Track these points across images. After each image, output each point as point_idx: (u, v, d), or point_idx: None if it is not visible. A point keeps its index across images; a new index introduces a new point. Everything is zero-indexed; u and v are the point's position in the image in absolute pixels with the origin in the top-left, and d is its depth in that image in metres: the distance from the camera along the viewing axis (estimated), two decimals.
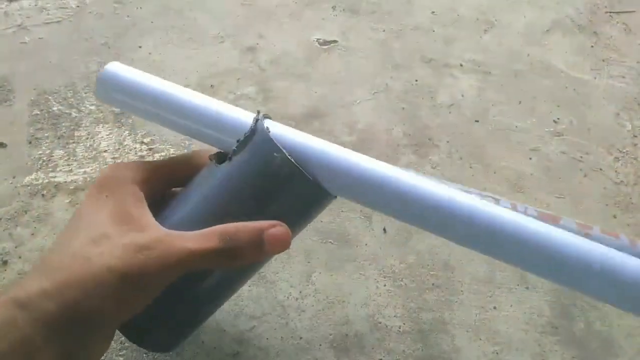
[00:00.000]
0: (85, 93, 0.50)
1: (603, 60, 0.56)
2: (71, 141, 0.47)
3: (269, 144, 0.28)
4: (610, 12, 0.60)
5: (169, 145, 0.47)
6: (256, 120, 0.29)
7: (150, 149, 0.47)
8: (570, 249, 0.26)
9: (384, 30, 0.57)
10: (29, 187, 0.44)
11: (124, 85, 0.31)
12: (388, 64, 0.54)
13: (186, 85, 0.37)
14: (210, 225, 0.28)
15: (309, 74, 0.53)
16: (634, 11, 0.60)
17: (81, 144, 0.47)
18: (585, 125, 0.51)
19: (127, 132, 0.48)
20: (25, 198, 0.43)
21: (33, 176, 0.45)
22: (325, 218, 0.44)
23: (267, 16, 0.57)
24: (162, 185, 0.31)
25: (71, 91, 0.50)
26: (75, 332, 0.25)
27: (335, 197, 0.30)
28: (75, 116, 0.48)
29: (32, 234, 0.42)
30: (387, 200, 0.28)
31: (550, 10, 0.60)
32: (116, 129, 0.48)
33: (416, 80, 0.53)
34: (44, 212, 0.43)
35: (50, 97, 0.49)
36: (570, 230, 0.28)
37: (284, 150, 0.28)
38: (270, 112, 0.34)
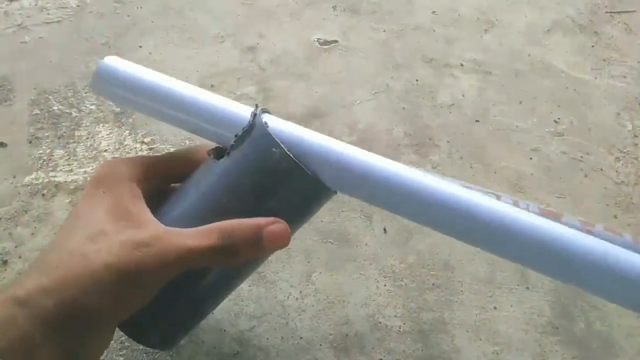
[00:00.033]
0: (86, 93, 0.50)
1: (604, 60, 0.56)
2: (71, 141, 0.47)
3: (267, 139, 0.28)
4: (611, 12, 0.60)
5: (170, 144, 0.47)
6: (254, 114, 0.29)
7: (150, 149, 0.47)
8: (574, 245, 0.26)
9: (384, 30, 0.57)
10: (29, 187, 0.44)
11: (120, 79, 0.31)
12: (389, 63, 0.54)
13: None
14: (209, 221, 0.27)
15: (309, 73, 0.53)
16: (634, 11, 0.60)
17: (81, 144, 0.47)
18: (586, 125, 0.51)
19: (128, 131, 0.48)
20: (25, 198, 0.43)
21: (33, 176, 0.45)
22: (326, 218, 0.44)
23: (268, 16, 0.57)
24: (160, 181, 0.31)
25: (71, 91, 0.50)
26: (73, 330, 0.25)
27: (335, 192, 0.30)
28: (76, 116, 0.48)
29: (32, 234, 0.42)
30: (388, 196, 0.28)
31: (550, 10, 0.60)
32: (116, 129, 0.48)
33: (417, 80, 0.53)
34: (44, 211, 0.43)
35: (50, 97, 0.49)
36: (573, 227, 0.28)
37: (283, 145, 0.27)
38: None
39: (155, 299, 0.27)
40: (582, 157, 0.49)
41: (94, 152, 0.46)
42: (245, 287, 0.40)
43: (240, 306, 0.39)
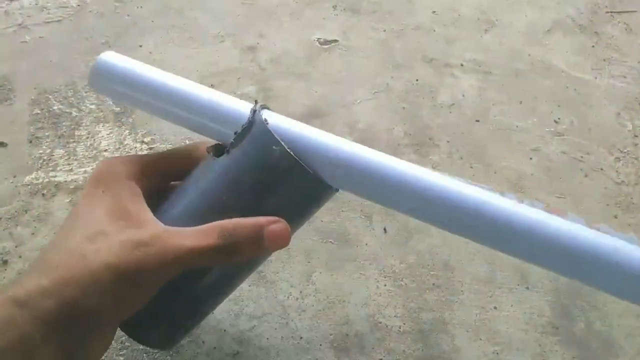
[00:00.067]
0: (86, 92, 0.50)
1: (604, 60, 0.56)
2: (71, 140, 0.47)
3: (267, 136, 0.27)
4: (611, 12, 0.60)
5: (170, 144, 0.47)
6: (254, 111, 0.28)
7: (150, 148, 0.47)
8: (582, 240, 0.25)
9: (384, 30, 0.57)
10: (29, 187, 0.44)
11: (118, 75, 0.31)
12: (389, 63, 0.54)
13: None
14: (209, 220, 0.27)
15: (309, 73, 0.53)
16: (635, 11, 0.60)
17: (81, 143, 0.47)
18: (586, 125, 0.51)
19: (128, 131, 0.48)
20: (25, 197, 0.43)
21: (33, 175, 0.45)
22: (326, 218, 0.44)
23: (268, 15, 0.57)
24: (160, 179, 0.31)
25: (71, 90, 0.50)
26: (74, 330, 0.25)
27: (337, 190, 0.29)
28: (76, 115, 0.48)
29: (33, 234, 0.42)
30: (390, 193, 0.27)
31: (551, 10, 0.60)
32: (116, 128, 0.48)
33: (417, 80, 0.53)
34: (44, 211, 0.43)
35: (50, 96, 0.49)
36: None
37: (283, 143, 0.27)
38: None
39: (155, 298, 0.27)
40: (582, 157, 0.49)
41: (94, 151, 0.46)
42: (245, 287, 0.40)
43: (240, 306, 0.39)
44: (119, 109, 0.49)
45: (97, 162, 0.46)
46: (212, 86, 0.51)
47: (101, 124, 0.48)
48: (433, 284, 0.41)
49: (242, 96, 0.51)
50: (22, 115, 0.48)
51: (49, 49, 0.53)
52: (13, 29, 0.54)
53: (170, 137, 0.47)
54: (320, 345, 0.38)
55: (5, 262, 0.40)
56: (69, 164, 0.45)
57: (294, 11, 0.58)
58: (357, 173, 0.28)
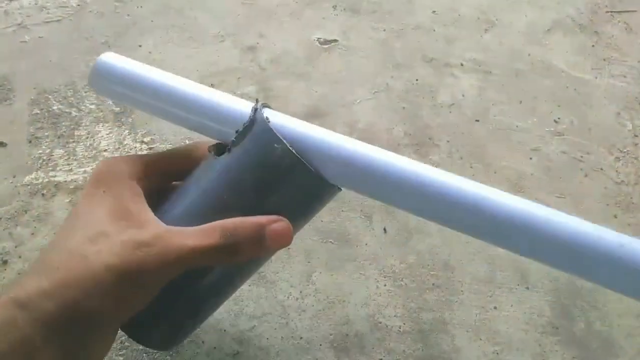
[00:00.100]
0: (85, 92, 0.50)
1: (604, 60, 0.56)
2: (71, 140, 0.47)
3: (269, 135, 0.27)
4: (611, 12, 0.60)
5: (169, 144, 0.47)
6: (255, 109, 0.28)
7: (150, 148, 0.47)
8: (587, 234, 0.25)
9: (384, 30, 0.57)
10: (29, 187, 0.44)
11: (118, 75, 0.30)
12: (389, 63, 0.54)
13: None
14: (210, 219, 0.27)
15: (309, 73, 0.53)
16: (635, 10, 0.60)
17: (81, 143, 0.47)
18: (586, 125, 0.51)
19: (127, 131, 0.48)
20: (25, 197, 0.43)
21: (33, 175, 0.45)
22: (326, 218, 0.44)
23: (268, 15, 0.57)
24: (161, 178, 0.31)
25: (71, 90, 0.50)
26: (75, 332, 0.25)
27: (340, 189, 0.29)
28: (75, 115, 0.48)
29: (32, 234, 0.42)
30: (393, 191, 0.27)
31: (551, 9, 0.60)
32: (116, 128, 0.48)
33: (417, 80, 0.53)
34: (44, 211, 0.43)
35: (50, 96, 0.49)
36: None
37: (285, 141, 0.27)
38: None
39: (156, 299, 0.27)
40: (582, 156, 0.49)
41: (94, 151, 0.46)
42: (245, 287, 0.40)
43: (240, 306, 0.39)
44: (118, 109, 0.49)
45: (96, 162, 0.46)
46: (212, 86, 0.51)
47: (101, 124, 0.48)
48: (433, 284, 0.41)
49: (242, 96, 0.50)
50: (22, 115, 0.48)
51: (49, 48, 0.52)
52: (12, 28, 0.54)
53: (170, 136, 0.47)
54: (320, 345, 0.38)
55: (5, 262, 0.40)
56: (68, 164, 0.45)
57: (294, 11, 0.58)
58: (359, 171, 0.27)
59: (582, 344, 0.39)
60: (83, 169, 0.45)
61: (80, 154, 0.46)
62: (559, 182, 0.47)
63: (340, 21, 0.57)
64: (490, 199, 0.26)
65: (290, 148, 0.27)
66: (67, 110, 0.49)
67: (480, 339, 0.39)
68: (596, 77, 0.55)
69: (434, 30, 0.57)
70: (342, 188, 0.29)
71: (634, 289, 0.25)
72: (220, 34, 0.55)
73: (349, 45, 0.55)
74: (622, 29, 0.59)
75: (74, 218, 0.28)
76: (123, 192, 0.28)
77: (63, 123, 0.48)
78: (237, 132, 0.28)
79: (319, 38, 0.56)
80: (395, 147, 0.48)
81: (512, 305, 0.41)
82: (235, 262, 0.29)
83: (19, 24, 0.54)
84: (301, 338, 0.38)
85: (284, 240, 0.28)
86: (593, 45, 0.57)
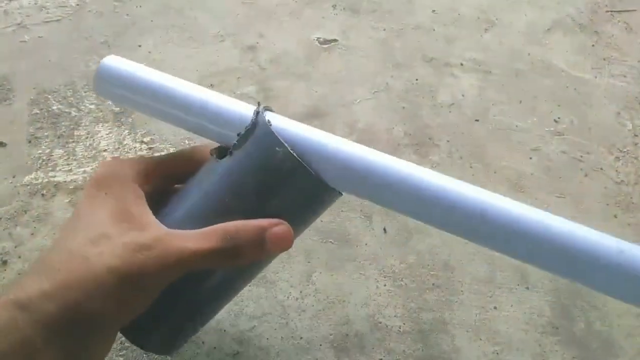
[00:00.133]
0: (85, 92, 0.50)
1: (604, 60, 0.56)
2: (71, 140, 0.47)
3: (271, 138, 0.27)
4: (611, 11, 0.60)
5: (169, 144, 0.47)
6: (257, 112, 0.28)
7: (150, 148, 0.47)
8: (584, 241, 0.25)
9: (384, 29, 0.57)
10: (28, 187, 0.44)
11: (122, 79, 0.30)
12: (389, 63, 0.54)
13: None
14: (212, 222, 0.27)
15: (309, 73, 0.53)
16: (635, 10, 0.60)
17: (81, 143, 0.47)
18: (586, 125, 0.51)
19: (127, 131, 0.48)
20: (25, 197, 0.43)
21: (33, 175, 0.45)
22: (326, 218, 0.44)
23: (268, 15, 0.57)
24: (162, 181, 0.31)
25: (71, 90, 0.50)
26: (75, 334, 0.25)
27: (341, 194, 0.29)
28: (75, 115, 0.48)
29: (32, 234, 0.42)
30: (395, 196, 0.27)
31: (551, 9, 0.60)
32: (116, 128, 0.48)
33: (417, 80, 0.53)
34: (43, 211, 0.43)
35: (49, 96, 0.49)
36: None
37: (286, 144, 0.27)
38: None
39: (156, 302, 0.27)
40: (582, 156, 0.49)
41: (94, 151, 0.46)
42: (245, 287, 0.40)
43: (240, 306, 0.39)
44: (118, 109, 0.49)
45: (96, 162, 0.46)
46: (211, 86, 0.51)
47: (100, 124, 0.48)
48: (433, 284, 0.41)
49: (242, 96, 0.51)
50: (22, 115, 0.48)
51: (48, 48, 0.52)
52: (12, 28, 0.54)
53: (170, 137, 0.47)
54: (320, 345, 0.38)
55: (4, 263, 0.40)
56: (68, 164, 0.45)
57: (294, 11, 0.57)
58: (360, 175, 0.27)
59: (582, 344, 0.39)
60: (83, 169, 0.45)
61: (80, 154, 0.46)
62: (559, 182, 0.47)
63: (340, 21, 0.57)
64: (489, 204, 0.26)
65: (292, 151, 0.27)
66: (66, 110, 0.49)
67: (480, 339, 0.39)
68: (596, 77, 0.55)
69: (434, 30, 0.57)
70: (343, 192, 0.29)
71: (633, 296, 0.25)
72: (220, 34, 0.55)
73: (348, 45, 0.55)
74: (622, 29, 0.59)
75: (75, 219, 0.27)
76: (125, 195, 0.28)
77: (63, 123, 0.48)
78: (238, 135, 0.28)
79: (318, 38, 0.56)
80: (395, 147, 0.48)
81: (512, 305, 0.41)
82: (236, 265, 0.29)
83: (19, 24, 0.54)
84: (301, 338, 0.38)
85: (284, 244, 0.28)
86: (593, 45, 0.57)
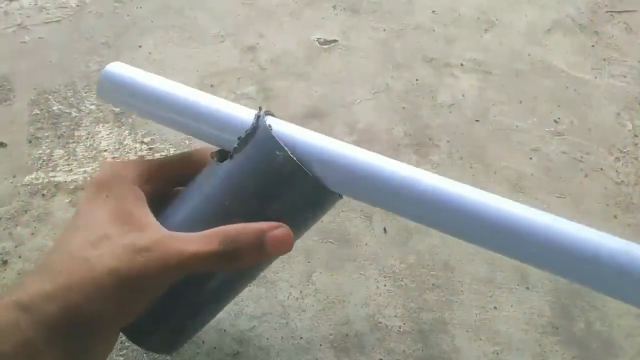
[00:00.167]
0: (86, 92, 0.50)
1: (604, 60, 0.56)
2: (71, 141, 0.47)
3: (271, 142, 0.27)
4: (612, 12, 0.60)
5: (169, 144, 0.47)
6: (258, 117, 0.28)
7: (150, 149, 0.47)
8: (590, 242, 0.24)
9: (384, 30, 0.57)
10: (29, 187, 0.44)
11: (125, 85, 0.31)
12: (389, 63, 0.54)
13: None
14: (212, 225, 0.27)
15: (309, 73, 0.53)
16: (635, 10, 0.60)
17: (81, 144, 0.47)
18: (586, 125, 0.51)
19: (127, 131, 0.48)
20: (25, 197, 0.43)
21: (33, 175, 0.45)
22: (326, 218, 0.44)
23: (268, 15, 0.57)
24: (163, 183, 0.31)
25: (71, 90, 0.50)
26: (76, 335, 0.25)
27: (341, 197, 0.29)
28: (76, 115, 0.48)
29: (32, 234, 0.42)
30: (394, 199, 0.27)
31: (551, 9, 0.60)
32: (116, 129, 0.48)
33: (417, 80, 0.53)
34: (44, 211, 0.43)
35: (50, 97, 0.49)
36: None
37: (286, 148, 0.27)
38: None
39: (157, 303, 0.27)
40: (582, 157, 0.49)
41: (94, 152, 0.46)
42: (245, 288, 0.40)
43: (240, 306, 0.39)
44: (118, 109, 0.49)
45: (97, 162, 0.46)
46: (211, 86, 0.51)
47: (101, 124, 0.48)
48: (433, 284, 0.41)
49: (242, 96, 0.51)
50: (22, 115, 0.48)
51: (49, 49, 0.52)
52: (12, 29, 0.54)
53: (170, 137, 0.47)
54: (320, 345, 0.38)
55: (5, 262, 0.40)
56: (68, 164, 0.45)
57: (294, 11, 0.58)
58: (360, 179, 0.27)
59: (582, 344, 0.39)
60: (83, 169, 0.45)
61: (80, 154, 0.46)
62: (559, 182, 0.47)
63: (340, 21, 0.57)
64: (491, 206, 0.26)
65: (292, 155, 0.27)
66: (67, 111, 0.49)
67: (480, 339, 0.39)
68: (596, 77, 0.55)
69: (434, 30, 0.57)
70: (344, 196, 0.29)
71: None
72: (220, 34, 0.55)
73: (348, 45, 0.55)
74: (622, 29, 0.59)
75: (76, 221, 0.28)
76: (125, 196, 0.28)
77: (63, 123, 0.48)
78: (239, 139, 0.28)
79: (318, 38, 0.56)
80: (395, 148, 0.48)
81: (512, 305, 0.41)
82: (236, 268, 0.29)
83: (19, 25, 0.54)
84: (301, 338, 0.38)
85: (284, 247, 0.28)
86: (593, 46, 0.57)
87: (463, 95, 0.52)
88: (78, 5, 0.56)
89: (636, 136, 0.51)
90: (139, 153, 0.46)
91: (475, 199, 0.26)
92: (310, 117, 0.50)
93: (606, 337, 0.40)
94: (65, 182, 0.44)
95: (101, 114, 0.49)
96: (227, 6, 0.57)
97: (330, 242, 0.43)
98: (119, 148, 0.47)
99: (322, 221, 0.43)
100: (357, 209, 0.44)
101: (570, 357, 0.39)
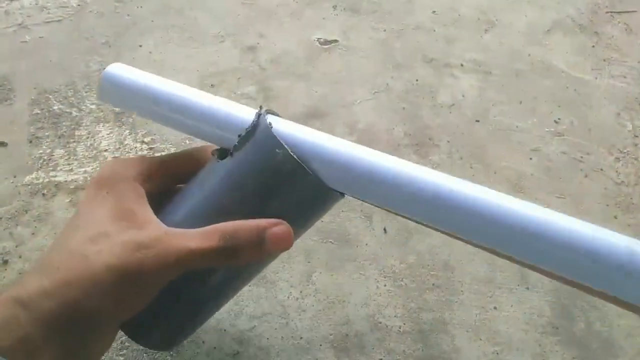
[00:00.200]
0: (86, 92, 0.50)
1: (604, 60, 0.56)
2: (72, 140, 0.47)
3: (271, 139, 0.27)
4: (611, 12, 0.60)
5: (170, 144, 0.47)
6: (258, 115, 0.28)
7: (150, 148, 0.47)
8: (594, 241, 0.24)
9: (384, 30, 0.57)
10: (29, 187, 0.44)
11: (126, 87, 0.31)
12: (389, 63, 0.54)
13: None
14: (212, 222, 0.27)
15: (309, 73, 0.53)
16: (635, 11, 0.60)
17: (82, 143, 0.47)
18: (586, 126, 0.51)
19: (128, 131, 0.48)
20: (25, 197, 0.43)
21: (33, 175, 0.45)
22: (326, 218, 0.44)
23: (268, 15, 0.57)
24: (165, 181, 0.31)
25: (72, 90, 0.50)
26: (75, 331, 0.25)
27: (342, 196, 0.29)
28: (76, 115, 0.48)
29: (33, 234, 0.42)
30: (398, 199, 0.27)
31: (551, 10, 0.60)
32: (117, 128, 0.48)
33: (417, 80, 0.53)
34: (44, 211, 0.43)
35: (50, 96, 0.49)
36: None
37: (286, 146, 0.27)
38: None
39: (156, 299, 0.27)
40: (582, 157, 0.49)
41: (94, 151, 0.46)
42: (245, 287, 0.40)
43: (240, 306, 0.39)
44: (119, 109, 0.49)
45: (97, 162, 0.46)
46: (212, 86, 0.51)
47: (101, 124, 0.48)
48: (433, 284, 0.41)
49: (242, 96, 0.51)
50: (22, 115, 0.48)
51: (49, 48, 0.53)
52: (13, 28, 0.54)
53: (171, 137, 0.47)
54: (320, 345, 0.38)
55: (5, 262, 0.40)
56: (69, 164, 0.45)
57: (294, 11, 0.58)
58: (360, 177, 0.27)
59: (582, 344, 0.39)
60: (83, 169, 0.45)
61: (81, 154, 0.46)
62: (559, 182, 0.47)
63: (340, 21, 0.57)
64: (495, 204, 0.25)
65: (292, 153, 0.27)
66: (67, 110, 0.49)
67: (480, 339, 0.39)
68: (596, 78, 0.55)
69: (434, 31, 0.57)
70: (345, 194, 0.29)
71: None
72: (221, 34, 0.55)
73: (349, 45, 0.55)
74: (622, 30, 0.59)
75: (76, 218, 0.28)
76: (125, 193, 0.28)
77: (63, 123, 0.48)
78: (239, 136, 0.28)
79: (319, 38, 0.56)
80: (395, 148, 0.48)
81: (512, 306, 0.41)
82: (236, 264, 0.29)
83: (20, 24, 0.54)
84: (301, 338, 0.38)
85: (284, 244, 0.28)
86: (593, 46, 0.57)
87: (463, 96, 0.52)
88: (79, 5, 0.56)
89: (636, 136, 0.51)
90: (140, 153, 0.47)
91: (485, 198, 0.26)
92: (311, 117, 0.50)
93: (606, 337, 0.40)
94: (66, 181, 0.44)
95: (102, 113, 0.49)
96: (227, 6, 0.57)
97: (330, 242, 0.43)
98: (119, 148, 0.47)
99: (322, 221, 0.44)
100: (357, 209, 0.44)
101: (570, 357, 0.39)
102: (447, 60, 0.55)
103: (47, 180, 0.44)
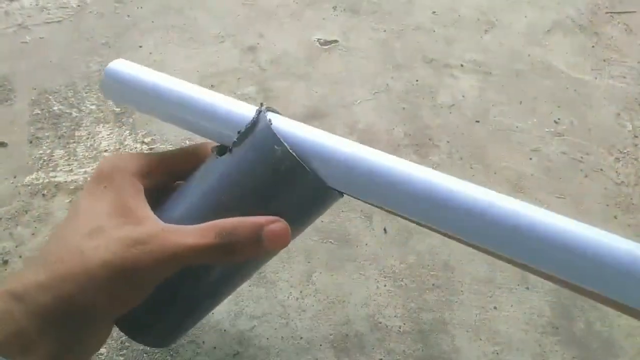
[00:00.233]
0: (86, 93, 0.50)
1: (604, 61, 0.56)
2: (72, 141, 0.47)
3: (270, 136, 0.27)
4: (611, 13, 0.60)
5: (170, 144, 0.47)
6: (259, 112, 0.28)
7: (150, 149, 0.47)
8: (597, 245, 0.24)
9: (384, 30, 0.57)
10: (29, 187, 0.44)
11: (128, 82, 0.31)
12: (389, 64, 0.54)
13: None
14: (210, 219, 0.27)
15: (309, 73, 0.53)
16: (634, 11, 0.60)
17: (82, 144, 0.47)
18: (586, 126, 0.51)
19: (128, 131, 0.48)
20: (25, 198, 0.43)
21: (34, 176, 0.45)
22: (326, 218, 0.44)
23: (268, 16, 0.57)
24: (164, 177, 0.31)
25: (72, 91, 0.50)
26: (70, 326, 0.25)
27: (341, 195, 0.29)
28: (76, 116, 0.48)
29: (33, 234, 0.42)
30: (398, 199, 0.26)
31: (551, 10, 0.60)
32: (117, 129, 0.48)
33: (417, 81, 0.53)
34: (44, 211, 0.43)
35: (50, 97, 0.49)
36: None
37: (285, 143, 0.27)
38: None
39: (153, 296, 0.27)
40: (582, 157, 0.49)
41: (94, 152, 0.46)
42: (245, 287, 0.40)
43: (240, 306, 0.39)
44: (119, 109, 0.49)
45: (97, 162, 0.46)
46: (212, 86, 0.51)
47: (101, 125, 0.48)
48: (433, 284, 0.41)
49: (242, 96, 0.51)
50: (22, 115, 0.48)
51: (49, 49, 0.53)
52: (13, 29, 0.54)
53: (171, 137, 0.47)
54: (320, 345, 0.38)
55: (5, 262, 0.40)
56: (69, 165, 0.45)
57: (294, 12, 0.58)
58: (360, 176, 0.27)
59: (582, 344, 0.39)
60: (83, 170, 0.45)
61: (81, 154, 0.46)
62: (559, 182, 0.47)
63: (340, 22, 0.57)
64: (496, 205, 0.25)
65: (291, 150, 0.27)
66: (67, 111, 0.49)
67: (480, 339, 0.39)
68: (596, 78, 0.55)
69: (434, 31, 0.57)
70: (344, 193, 0.29)
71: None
72: (221, 35, 0.55)
73: (349, 45, 0.55)
74: (621, 30, 0.59)
75: (74, 213, 0.28)
76: (124, 189, 0.28)
77: (64, 123, 0.48)
78: (239, 132, 0.28)
79: (319, 39, 0.56)
80: (395, 148, 0.48)
81: (512, 305, 0.41)
82: (233, 261, 0.29)
83: (20, 25, 0.54)
84: (301, 338, 0.38)
85: (281, 241, 0.27)
86: (593, 46, 0.57)
87: (463, 96, 0.52)
88: (79, 6, 0.56)
89: (636, 137, 0.51)
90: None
91: (487, 199, 0.25)
92: (311, 118, 0.50)
93: (606, 337, 0.40)
94: (66, 182, 0.45)
95: (102, 114, 0.49)
96: (227, 6, 0.57)
97: (330, 242, 0.43)
98: (119, 148, 0.47)
99: (322, 221, 0.44)
100: (357, 209, 0.44)
101: (570, 357, 0.39)
102: (447, 60, 0.55)
103: (47, 180, 0.44)
